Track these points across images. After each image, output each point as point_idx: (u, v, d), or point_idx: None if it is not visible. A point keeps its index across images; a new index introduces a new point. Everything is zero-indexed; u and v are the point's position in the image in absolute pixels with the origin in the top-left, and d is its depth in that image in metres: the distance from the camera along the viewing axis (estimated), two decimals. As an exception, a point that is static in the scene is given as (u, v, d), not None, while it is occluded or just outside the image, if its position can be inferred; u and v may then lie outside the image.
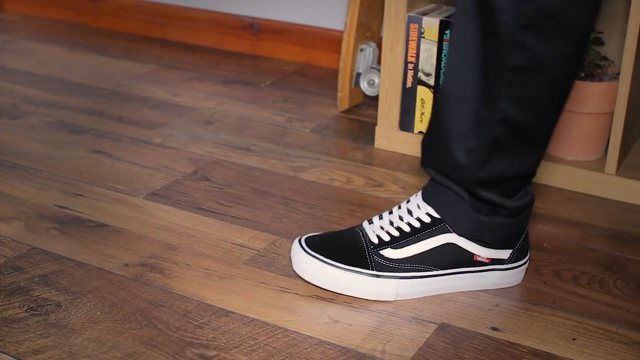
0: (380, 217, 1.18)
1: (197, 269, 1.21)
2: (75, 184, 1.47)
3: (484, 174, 1.09)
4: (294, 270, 1.20)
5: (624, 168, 1.50)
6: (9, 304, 1.12)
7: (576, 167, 1.50)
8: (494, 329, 1.10)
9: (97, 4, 2.48)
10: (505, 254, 1.18)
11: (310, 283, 1.16)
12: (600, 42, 1.49)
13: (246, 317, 1.10)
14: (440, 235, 1.14)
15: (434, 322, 1.11)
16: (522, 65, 1.02)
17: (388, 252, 1.14)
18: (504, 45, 1.02)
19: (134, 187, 1.46)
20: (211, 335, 1.06)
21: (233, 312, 1.11)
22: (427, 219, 1.15)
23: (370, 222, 1.18)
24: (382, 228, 1.16)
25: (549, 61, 1.03)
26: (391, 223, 1.16)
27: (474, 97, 1.07)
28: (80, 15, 2.52)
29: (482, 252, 1.16)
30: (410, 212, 1.16)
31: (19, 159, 1.56)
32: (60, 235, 1.29)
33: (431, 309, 1.13)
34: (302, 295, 1.15)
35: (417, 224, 1.15)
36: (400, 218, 1.17)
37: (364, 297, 1.14)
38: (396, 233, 1.15)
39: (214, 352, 1.03)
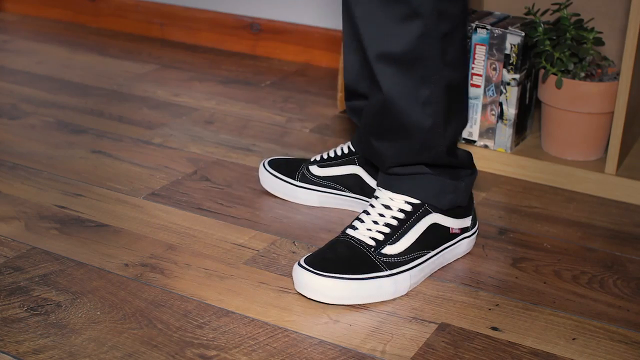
0: (362, 221, 1.19)
1: (197, 269, 1.21)
2: (75, 184, 1.47)
3: (448, 141, 1.17)
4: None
5: (624, 168, 1.50)
6: (9, 304, 1.12)
7: (576, 167, 1.50)
8: (494, 329, 1.10)
9: (97, 4, 2.48)
10: (468, 221, 1.25)
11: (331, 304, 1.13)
12: (600, 42, 1.49)
13: (246, 317, 1.11)
14: (424, 219, 1.19)
15: (434, 322, 1.11)
16: (448, 30, 1.09)
17: (389, 250, 1.15)
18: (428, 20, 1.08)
19: (134, 187, 1.46)
20: (211, 335, 1.06)
21: (233, 312, 1.11)
22: (408, 207, 1.18)
23: (354, 228, 1.18)
24: (369, 230, 1.17)
25: (460, 15, 1.10)
26: (376, 222, 1.17)
27: (415, 80, 1.11)
28: (80, 15, 2.52)
29: (455, 223, 1.23)
30: (388, 207, 1.19)
31: (19, 159, 1.56)
32: (60, 235, 1.29)
33: (431, 309, 1.14)
34: (302, 295, 1.15)
35: (401, 215, 1.17)
36: (382, 215, 1.18)
37: (384, 300, 1.14)
38: (387, 230, 1.16)
39: (214, 352, 1.03)
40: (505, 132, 1.55)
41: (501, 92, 1.53)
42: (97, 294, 1.14)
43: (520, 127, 1.59)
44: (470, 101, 1.56)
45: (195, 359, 1.02)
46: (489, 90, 1.54)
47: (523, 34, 1.49)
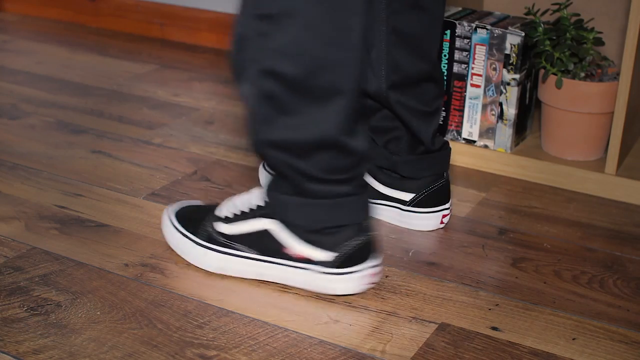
0: (240, 196, 1.20)
1: (197, 269, 1.21)
2: (75, 184, 1.47)
3: (274, 136, 1.06)
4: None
5: (624, 168, 1.50)
6: (9, 304, 1.12)
7: (576, 167, 1.51)
8: (494, 328, 1.10)
9: (97, 4, 2.48)
10: (321, 255, 1.12)
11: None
12: (600, 42, 1.49)
13: (246, 317, 1.11)
14: (261, 220, 1.14)
15: (434, 322, 1.11)
16: (269, 12, 1.00)
17: (221, 227, 1.17)
18: None
19: (134, 187, 1.46)
20: (211, 335, 1.06)
21: (233, 312, 1.11)
22: (261, 203, 1.16)
23: (231, 199, 1.20)
24: (233, 205, 1.18)
25: (295, 4, 0.99)
26: (242, 203, 1.18)
27: (242, 62, 1.06)
28: (80, 15, 2.52)
29: (294, 245, 1.13)
30: (255, 196, 1.18)
31: (19, 159, 1.56)
32: (60, 235, 1.29)
33: (431, 309, 1.14)
34: (302, 295, 1.15)
35: (254, 207, 1.16)
36: (249, 200, 1.18)
37: (192, 263, 1.21)
38: (237, 212, 1.17)
39: (214, 352, 1.03)
40: (505, 132, 1.55)
41: (501, 92, 1.53)
42: (97, 294, 1.14)
43: (520, 127, 1.59)
44: (470, 101, 1.56)
45: (195, 359, 1.02)
46: (489, 90, 1.54)
47: (523, 34, 1.49)
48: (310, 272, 1.14)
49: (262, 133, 1.08)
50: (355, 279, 1.13)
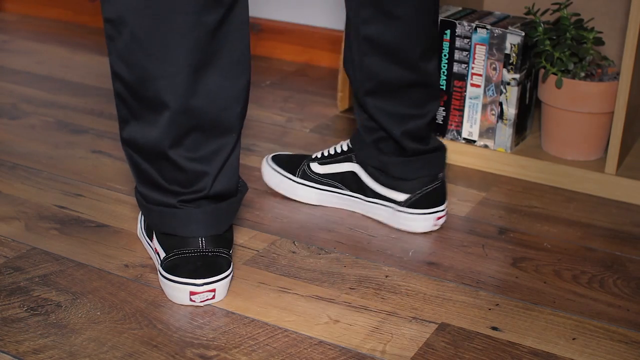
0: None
1: (197, 269, 1.21)
2: (75, 184, 1.47)
3: (125, 133, 1.11)
4: (294, 269, 1.20)
5: (624, 168, 1.50)
6: (9, 304, 1.12)
7: (576, 167, 1.51)
8: (494, 328, 1.10)
9: (97, 4, 2.48)
10: (161, 254, 1.15)
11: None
12: (600, 42, 1.49)
13: (246, 317, 1.11)
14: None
15: (434, 322, 1.11)
16: (110, 17, 1.04)
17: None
18: None
19: (133, 187, 1.46)
20: (211, 335, 1.06)
21: (233, 312, 1.11)
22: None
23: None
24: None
25: (126, 14, 1.02)
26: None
27: None
28: (80, 15, 2.52)
29: (153, 237, 1.19)
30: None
31: (19, 159, 1.56)
32: (60, 235, 1.29)
33: (431, 309, 1.14)
34: (302, 295, 1.15)
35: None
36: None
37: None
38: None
39: (214, 352, 1.03)
40: (505, 132, 1.55)
41: (501, 92, 1.53)
42: (97, 294, 1.14)
43: (520, 127, 1.59)
44: (470, 101, 1.56)
45: (195, 359, 1.02)
46: (489, 90, 1.54)
47: (523, 33, 1.49)
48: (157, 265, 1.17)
49: (120, 128, 1.11)
50: (177, 289, 1.11)
